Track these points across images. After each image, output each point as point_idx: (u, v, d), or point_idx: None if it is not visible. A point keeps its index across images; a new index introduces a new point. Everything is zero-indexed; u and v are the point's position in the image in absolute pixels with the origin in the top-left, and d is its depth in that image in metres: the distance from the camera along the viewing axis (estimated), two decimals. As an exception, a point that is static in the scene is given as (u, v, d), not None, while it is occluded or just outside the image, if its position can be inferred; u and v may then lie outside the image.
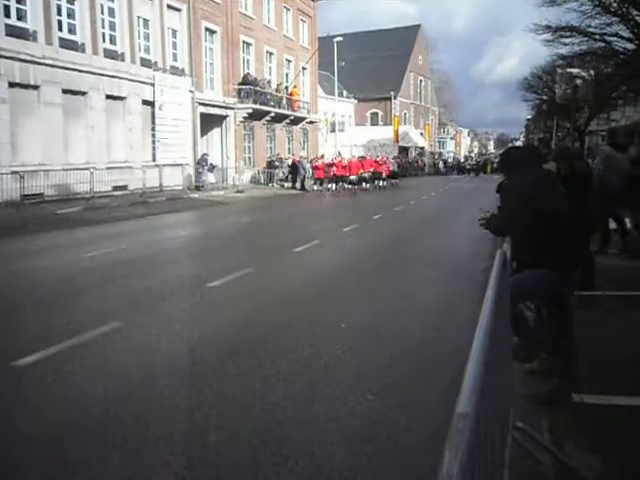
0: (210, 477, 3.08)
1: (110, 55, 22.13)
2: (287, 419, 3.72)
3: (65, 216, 16.10)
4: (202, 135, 28.47)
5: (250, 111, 30.32)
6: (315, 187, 28.66)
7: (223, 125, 30.10)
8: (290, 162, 31.67)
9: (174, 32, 25.95)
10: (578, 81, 12.29)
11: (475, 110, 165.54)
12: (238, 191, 26.30)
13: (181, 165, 25.22)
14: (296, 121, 36.44)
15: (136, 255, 10.24)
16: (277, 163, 32.42)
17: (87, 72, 20.78)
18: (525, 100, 50.89)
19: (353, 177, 29.63)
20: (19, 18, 18.55)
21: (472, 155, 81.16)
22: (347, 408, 3.87)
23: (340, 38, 39.73)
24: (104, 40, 21.95)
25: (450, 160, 67.59)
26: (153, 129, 24.48)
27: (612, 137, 9.18)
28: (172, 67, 25.78)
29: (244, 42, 31.50)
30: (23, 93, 18.61)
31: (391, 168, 34.19)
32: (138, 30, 23.69)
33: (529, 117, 64.08)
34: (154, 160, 24.30)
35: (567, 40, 23.86)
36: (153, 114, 24.41)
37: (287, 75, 36.75)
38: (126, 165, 22.59)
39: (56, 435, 3.56)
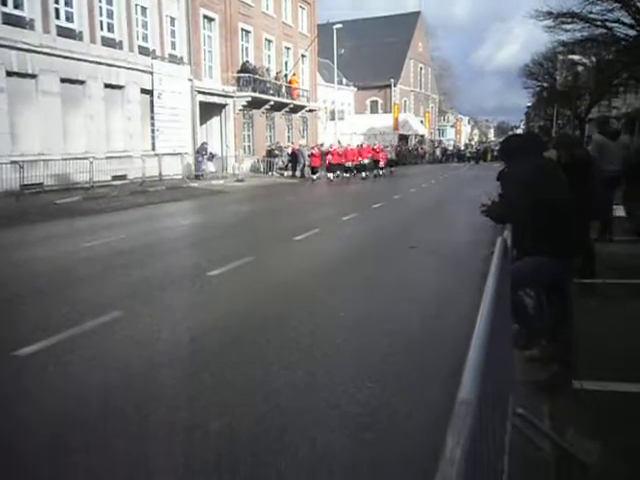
0: (212, 464, 3.10)
1: (108, 43, 22.00)
2: (288, 406, 3.73)
3: (65, 206, 16.07)
4: (201, 124, 28.37)
5: (249, 99, 30.19)
6: (314, 176, 28.52)
7: (222, 114, 29.99)
8: (290, 151, 31.59)
9: (172, 20, 25.78)
10: (579, 68, 12.26)
11: (475, 98, 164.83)
12: (238, 180, 26.24)
13: (180, 154, 25.15)
14: (295, 109, 36.29)
15: (136, 244, 10.24)
16: (277, 152, 32.33)
17: (85, 61, 20.66)
18: (525, 87, 50.68)
19: (349, 165, 29.43)
20: (16, 6, 18.40)
21: (472, 143, 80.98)
22: (347, 395, 3.88)
23: (339, 25, 39.51)
24: (102, 28, 21.80)
25: (450, 148, 67.34)
26: (152, 118, 24.39)
27: (602, 126, 9.17)
28: (170, 55, 25.63)
29: (243, 30, 31.30)
30: (21, 82, 18.51)
31: (389, 156, 33.99)
32: (136, 18, 23.52)
33: (529, 105, 63.85)
34: (153, 149, 24.24)
35: (568, 26, 23.73)
36: (152, 103, 24.30)
37: (286, 63, 36.55)
38: (125, 154, 22.52)
39: (57, 424, 3.57)
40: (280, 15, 35.46)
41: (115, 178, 21.32)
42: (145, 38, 24.23)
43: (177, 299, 6.48)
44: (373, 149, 31.92)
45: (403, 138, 53.55)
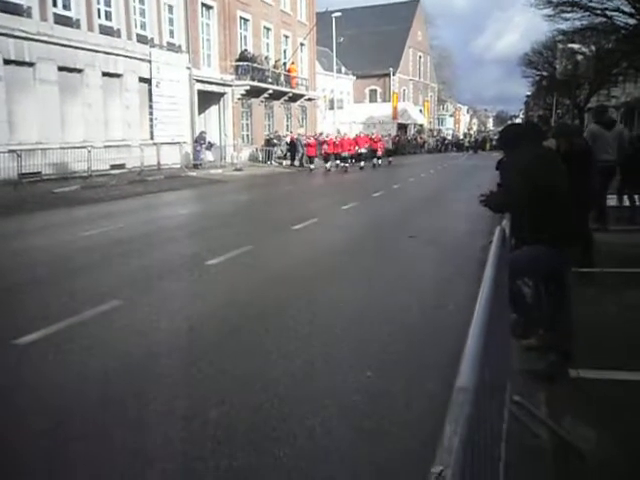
0: (211, 452, 3.12)
1: (106, 31, 21.84)
2: (287, 395, 3.75)
3: (63, 195, 16.04)
4: (200, 113, 28.24)
5: (248, 88, 30.05)
6: (311, 166, 28.38)
7: (221, 102, 29.85)
8: (288, 140, 31.49)
9: (170, 8, 25.57)
10: (579, 57, 12.22)
11: (474, 87, 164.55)
12: (236, 169, 26.18)
13: (179, 143, 25.07)
14: (294, 98, 36.13)
15: (134, 234, 10.23)
16: (275, 141, 32.22)
17: (83, 49, 20.50)
18: (525, 76, 50.53)
19: (345, 154, 29.27)
20: (13, -6, 18.25)
21: (471, 132, 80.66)
22: (346, 384, 3.90)
23: (338, 13, 39.22)
24: (99, 16, 21.63)
25: (449, 138, 67.11)
26: (150, 107, 24.27)
27: (597, 116, 9.18)
28: (169, 43, 25.47)
29: (241, 18, 31.08)
30: (19, 70, 18.40)
31: (386, 146, 33.80)
32: (134, 6, 23.32)
33: (529, 94, 63.61)
34: (152, 138, 24.14)
35: (568, 15, 23.68)
36: (150, 92, 24.17)
37: (285, 51, 36.34)
38: (124, 143, 22.44)
39: (57, 413, 3.59)
40: (279, 3, 35.20)
41: (113, 167, 21.25)
42: (143, 26, 24.07)
43: (176, 288, 6.49)
44: (370, 138, 31.75)
45: (402, 127, 53.40)
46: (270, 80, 32.46)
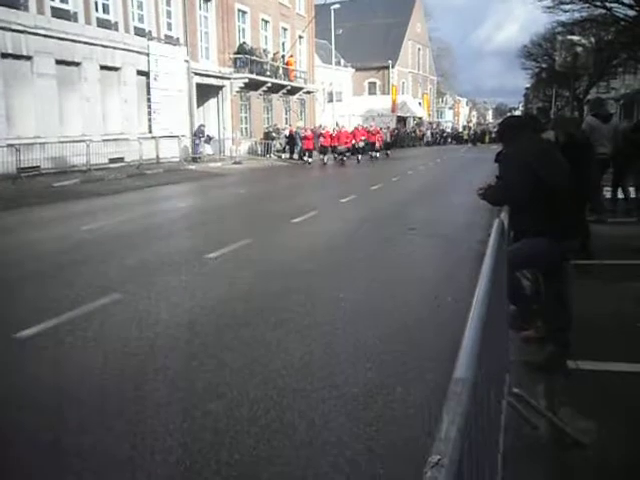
0: (211, 444, 3.14)
1: (103, 24, 21.72)
2: (286, 387, 3.77)
3: (62, 189, 16.03)
4: (198, 106, 28.15)
5: (246, 81, 29.94)
6: (309, 159, 28.23)
7: (219, 95, 29.76)
8: (287, 133, 31.41)
9: (168, 0, 25.42)
10: (578, 49, 12.15)
11: (474, 79, 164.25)
12: (235, 162, 26.14)
13: (177, 137, 24.99)
14: (293, 91, 36.02)
15: (134, 227, 10.24)
16: (274, 134, 32.15)
17: (80, 42, 20.39)
18: (524, 68, 50.22)
19: (342, 147, 29.14)
20: (9, -13, 18.16)
21: (470, 125, 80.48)
22: (345, 376, 3.92)
23: (337, 5, 39.06)
24: (97, 9, 21.51)
25: (448, 130, 66.93)
26: (149, 100, 24.19)
27: (596, 108, 9.20)
28: (167, 36, 25.35)
29: (239, 10, 30.92)
30: (16, 64, 18.32)
31: (384, 139, 33.66)
32: (131, -1, 23.24)
33: (528, 86, 63.33)
34: (150, 132, 24.07)
35: (567, 6, 23.51)
36: (148, 85, 24.08)
37: (283, 44, 36.18)
38: (122, 137, 22.38)
39: (58, 405, 3.61)
40: (277, -5, 35.05)
41: (112, 161, 21.20)
42: (141, 19, 23.95)
43: (176, 281, 6.50)
44: (368, 131, 31.63)
45: (401, 120, 53.24)
46: (269, 73, 32.33)
